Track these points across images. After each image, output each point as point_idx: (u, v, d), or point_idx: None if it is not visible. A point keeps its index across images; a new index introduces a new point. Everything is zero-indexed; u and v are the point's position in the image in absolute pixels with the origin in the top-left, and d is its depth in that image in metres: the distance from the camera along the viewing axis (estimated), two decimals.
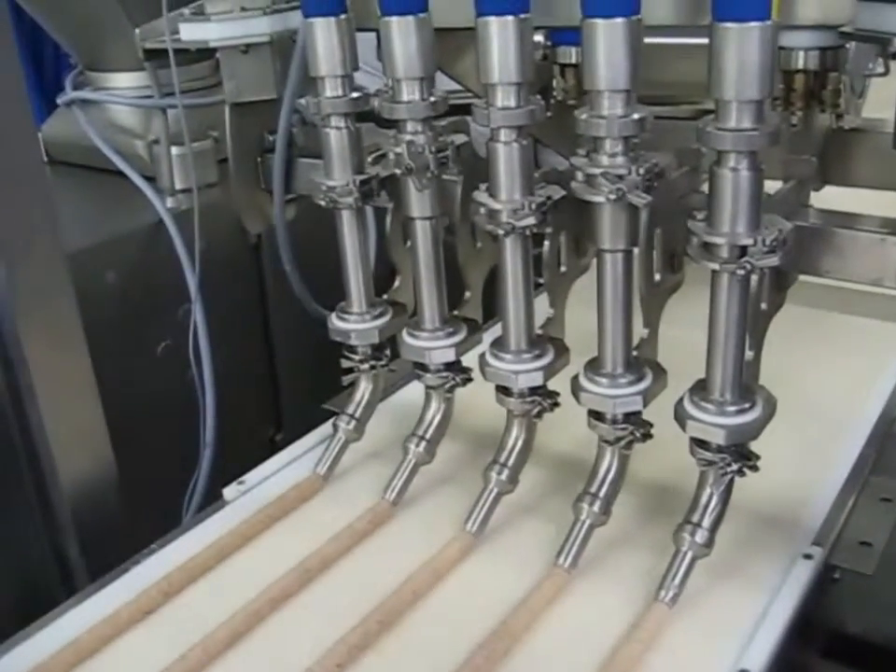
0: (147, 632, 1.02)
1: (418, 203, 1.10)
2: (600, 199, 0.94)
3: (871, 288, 0.99)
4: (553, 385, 1.08)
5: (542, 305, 1.08)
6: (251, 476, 1.25)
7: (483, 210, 1.00)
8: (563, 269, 1.05)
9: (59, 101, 1.90)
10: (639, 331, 1.02)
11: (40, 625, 1.04)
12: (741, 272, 0.88)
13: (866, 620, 1.07)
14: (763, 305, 0.97)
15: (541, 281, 1.06)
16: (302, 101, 1.21)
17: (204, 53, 1.67)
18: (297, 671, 0.93)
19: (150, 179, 1.74)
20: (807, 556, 1.03)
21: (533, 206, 0.97)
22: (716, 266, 0.90)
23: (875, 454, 1.21)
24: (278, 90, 1.25)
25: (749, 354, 0.96)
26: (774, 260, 0.88)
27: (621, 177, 0.92)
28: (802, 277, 1.00)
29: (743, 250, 0.88)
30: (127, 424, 1.48)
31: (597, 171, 0.93)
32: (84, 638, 1.00)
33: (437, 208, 1.11)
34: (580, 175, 0.96)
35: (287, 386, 1.94)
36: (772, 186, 0.97)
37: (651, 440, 1.04)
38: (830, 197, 1.15)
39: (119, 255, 1.63)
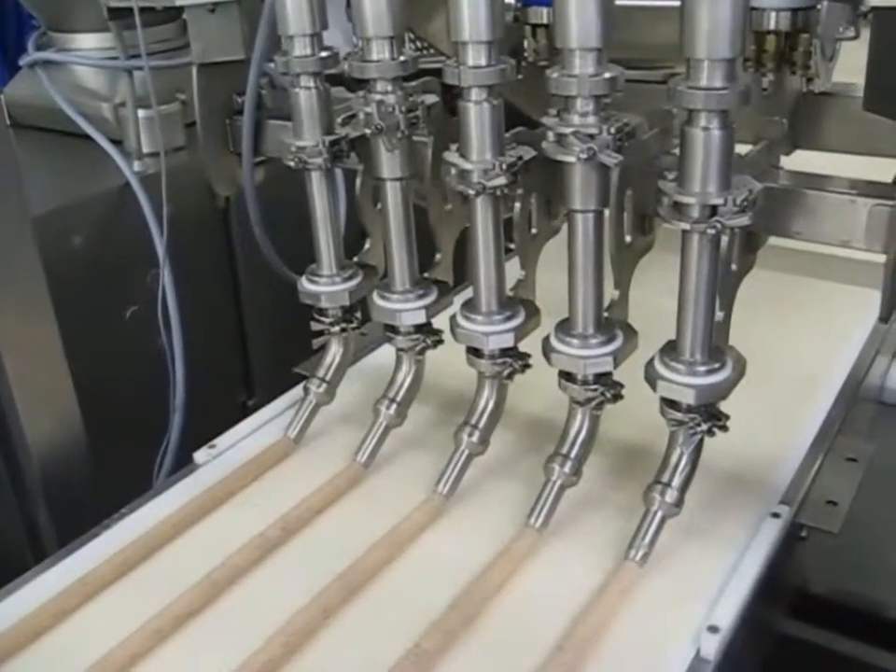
0: (116, 596, 1.02)
1: (388, 163, 1.09)
2: (571, 158, 0.93)
3: (839, 252, 0.99)
4: (524, 346, 1.08)
5: (514, 270, 1.08)
6: (222, 440, 1.25)
7: (453, 170, 1.00)
8: (534, 231, 1.05)
9: (21, 62, 1.86)
10: (610, 293, 1.02)
11: (9, 591, 1.03)
12: (711, 231, 0.88)
13: (831, 578, 1.08)
14: (734, 266, 0.97)
15: (512, 246, 1.06)
16: (271, 64, 1.19)
17: (171, 13, 1.64)
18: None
19: (117, 142, 1.71)
20: (775, 515, 1.04)
21: (504, 166, 0.97)
22: (686, 226, 0.90)
23: (842, 415, 1.22)
24: (246, 50, 1.23)
25: (718, 314, 0.97)
26: (744, 220, 0.88)
27: (592, 136, 0.92)
28: (772, 242, 1.01)
29: (713, 210, 0.88)
30: (96, 389, 1.46)
31: (568, 130, 0.92)
32: (54, 602, 0.99)
33: (407, 169, 1.10)
34: (550, 135, 0.95)
35: (258, 350, 1.93)
36: (743, 150, 0.97)
37: (622, 401, 1.04)
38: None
39: (85, 219, 1.61)
